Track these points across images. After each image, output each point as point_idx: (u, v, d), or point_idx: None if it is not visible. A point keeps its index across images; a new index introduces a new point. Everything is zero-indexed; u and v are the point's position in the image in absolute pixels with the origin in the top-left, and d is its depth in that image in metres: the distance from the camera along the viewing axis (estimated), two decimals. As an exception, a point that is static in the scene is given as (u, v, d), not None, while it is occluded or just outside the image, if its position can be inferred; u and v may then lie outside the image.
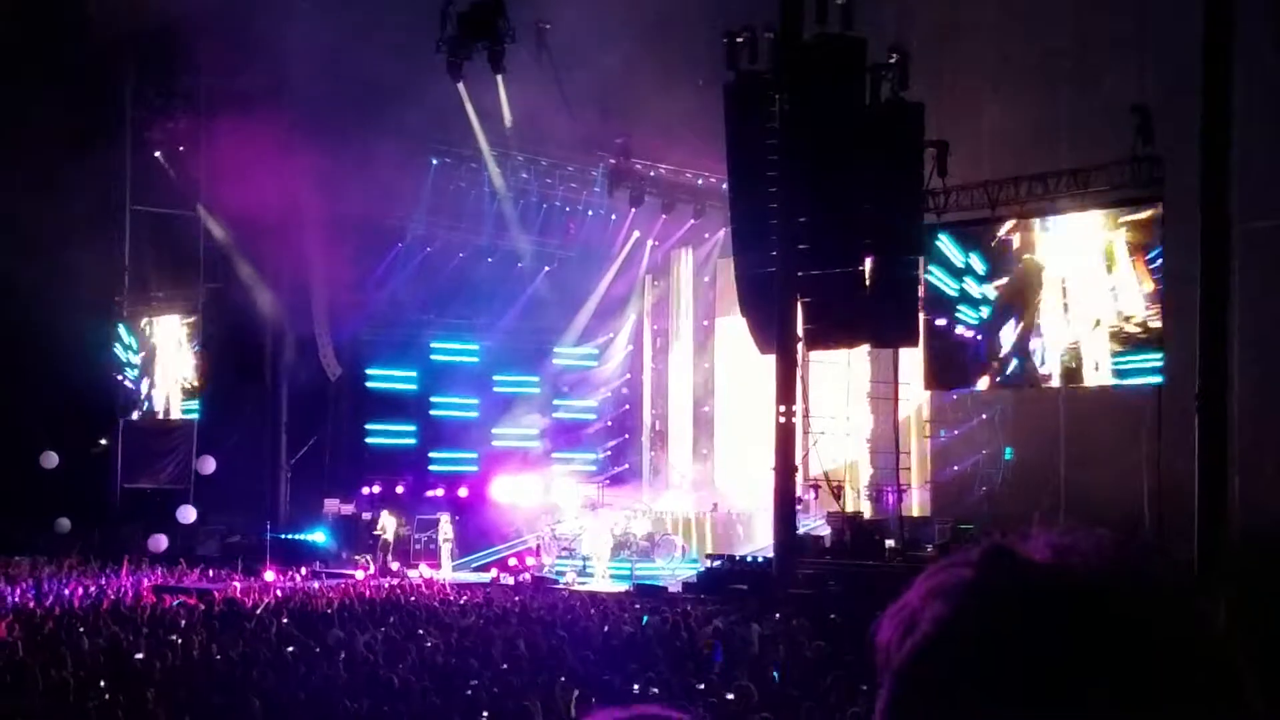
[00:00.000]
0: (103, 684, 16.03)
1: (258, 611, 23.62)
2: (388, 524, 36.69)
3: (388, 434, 41.94)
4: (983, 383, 31.81)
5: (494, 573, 34.11)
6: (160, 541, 37.36)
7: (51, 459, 38.73)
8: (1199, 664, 1.28)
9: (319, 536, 38.26)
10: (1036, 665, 1.25)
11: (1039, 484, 30.98)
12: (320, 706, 14.27)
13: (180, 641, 19.56)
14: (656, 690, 15.21)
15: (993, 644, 1.27)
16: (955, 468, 34.31)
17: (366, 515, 38.56)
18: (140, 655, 18.32)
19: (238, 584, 30.26)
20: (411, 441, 42.30)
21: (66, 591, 27.90)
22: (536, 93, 35.85)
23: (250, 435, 41.23)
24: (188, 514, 38.18)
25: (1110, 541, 1.36)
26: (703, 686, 15.69)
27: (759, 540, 32.48)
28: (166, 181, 41.52)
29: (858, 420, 34.10)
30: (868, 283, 29.03)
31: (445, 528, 36.60)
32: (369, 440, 41.77)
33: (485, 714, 14.01)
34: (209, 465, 38.60)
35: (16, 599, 26.43)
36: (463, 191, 41.99)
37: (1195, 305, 24.61)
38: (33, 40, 36.74)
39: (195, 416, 41.71)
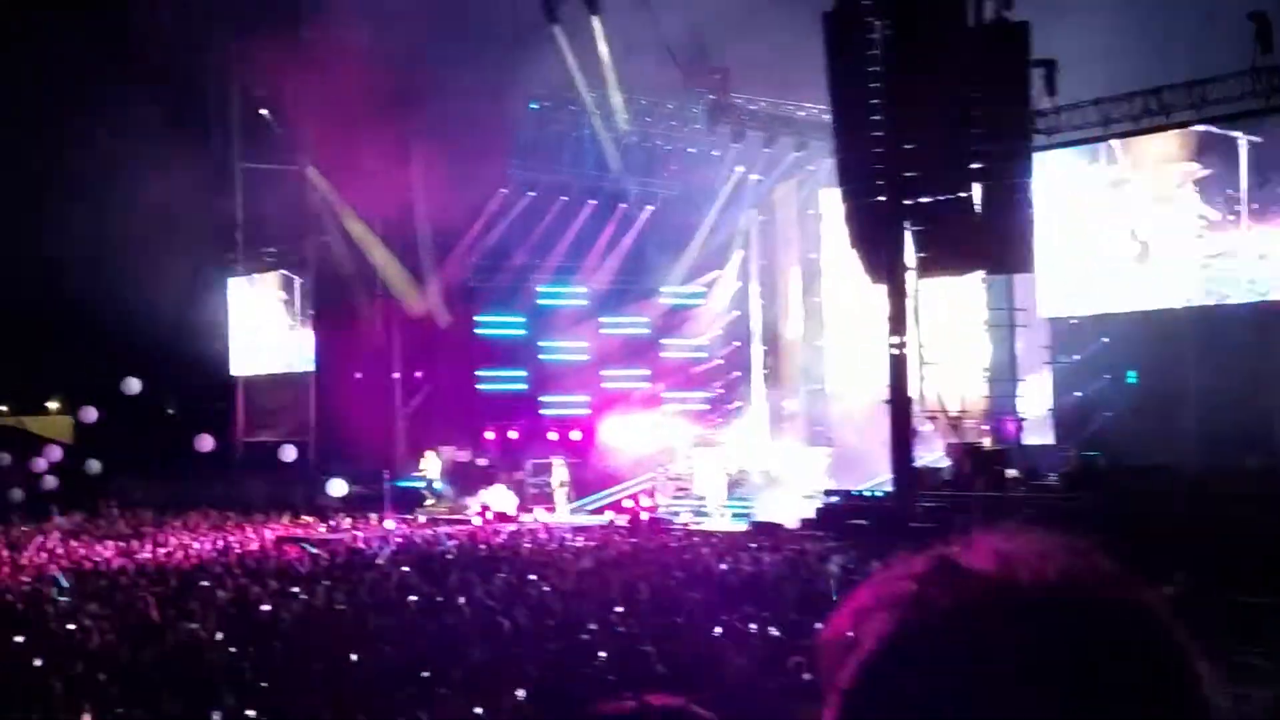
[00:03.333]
0: (230, 636, 16.22)
1: (379, 561, 23.81)
2: (559, 473, 36.85)
3: (499, 380, 42.17)
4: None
5: (609, 515, 34.16)
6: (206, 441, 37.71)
7: (134, 385, 39.12)
8: (1147, 673, 1.24)
9: (435, 483, 38.53)
10: (979, 682, 1.21)
11: (1165, 407, 30.22)
12: (442, 654, 14.32)
13: (305, 593, 19.75)
14: (776, 630, 15.08)
15: (935, 661, 1.24)
16: (1078, 394, 33.48)
17: (481, 461, 38.81)
18: (267, 607, 18.53)
19: (359, 533, 30.59)
20: (523, 386, 42.50)
21: (194, 545, 28.37)
22: (633, 30, 35.54)
23: (365, 385, 41.68)
24: (288, 453, 38.44)
25: (1058, 547, 1.30)
26: (819, 626, 15.48)
27: (876, 474, 32.16)
28: (273, 138, 41.88)
29: (974, 349, 33.51)
30: (978, 208, 28.39)
31: (560, 471, 36.73)
32: (480, 386, 42.03)
33: (603, 656, 13.94)
34: (207, 444, 38.65)
35: (148, 553, 26.92)
36: (563, 134, 41.87)
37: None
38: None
39: (310, 369, 42.20)
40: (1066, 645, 1.21)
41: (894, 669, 1.26)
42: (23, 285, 39.45)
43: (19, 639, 16.20)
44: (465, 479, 38.03)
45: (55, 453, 39.55)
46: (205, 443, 37.77)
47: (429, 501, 37.33)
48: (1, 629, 16.97)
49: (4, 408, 44.33)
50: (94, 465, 38.71)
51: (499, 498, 36.17)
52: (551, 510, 35.45)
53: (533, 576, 20.94)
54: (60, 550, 28.00)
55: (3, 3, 37.32)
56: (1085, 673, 1.20)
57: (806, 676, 12.30)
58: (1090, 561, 1.29)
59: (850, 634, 1.31)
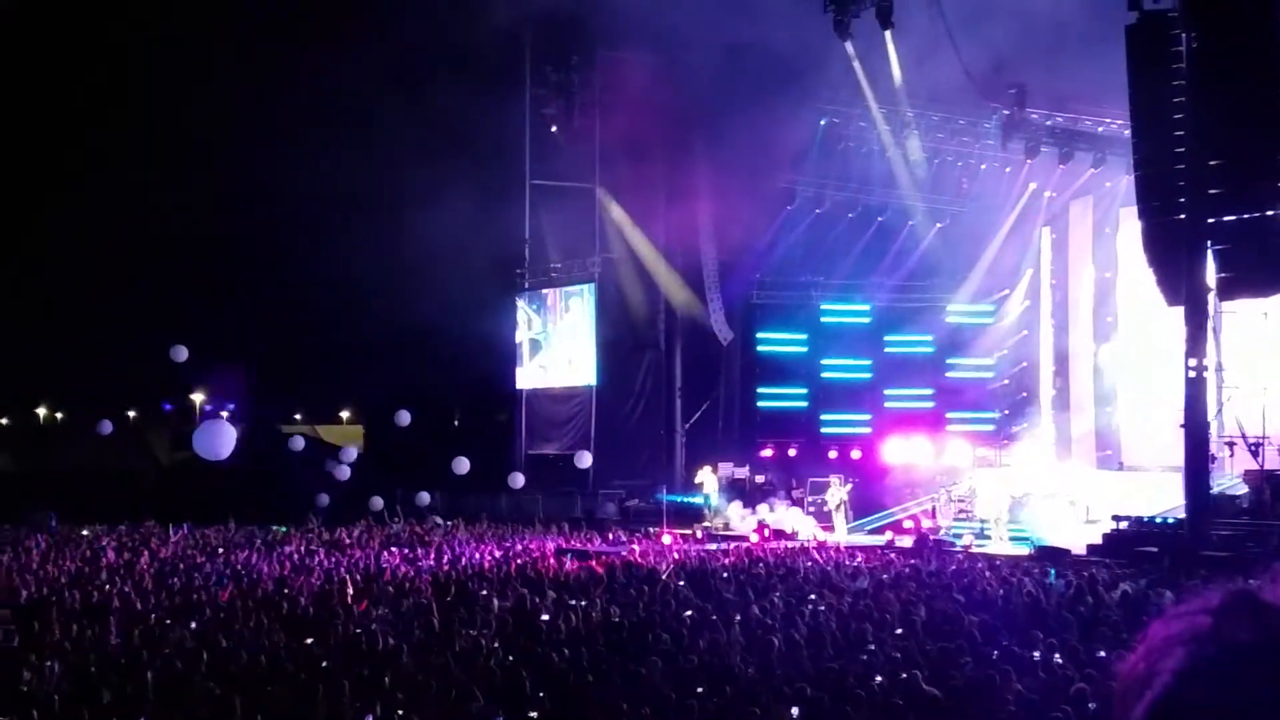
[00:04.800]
0: (510, 644, 16.52)
1: (664, 576, 23.91)
2: (836, 493, 36.65)
3: (778, 397, 42.12)
4: None
5: (888, 535, 33.71)
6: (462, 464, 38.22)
7: (404, 418, 40.13)
8: None
9: (712, 499, 38.59)
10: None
11: None
12: (714, 669, 14.30)
13: (583, 604, 19.99)
14: (1059, 658, 14.59)
15: (1234, 696, 1.17)
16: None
17: (759, 478, 38.78)
18: (546, 617, 18.82)
19: (636, 547, 30.86)
20: (803, 404, 42.37)
21: (477, 555, 29.06)
22: (926, 45, 35.05)
23: (646, 400, 42.11)
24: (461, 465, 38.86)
25: None
26: (1104, 654, 14.93)
27: (1169, 501, 30.93)
28: (562, 155, 42.74)
29: (1277, 373, 31.99)
30: (1285, 227, 27.10)
31: (838, 490, 36.39)
32: (760, 404, 42.06)
33: (879, 679, 13.70)
34: (463, 466, 39.15)
35: (430, 562, 27.69)
36: (851, 150, 41.59)
37: None
38: (437, 21, 38.32)
39: (593, 383, 42.82)
40: None
41: (1190, 704, 1.20)
42: (318, 297, 41.23)
43: (309, 640, 16.86)
44: (743, 496, 38.03)
45: (351, 453, 41.04)
46: (462, 465, 38.66)
47: (708, 518, 37.41)
48: (294, 631, 17.69)
49: (299, 415, 46.26)
50: (425, 498, 39.90)
51: (793, 518, 36.10)
52: (829, 529, 35.15)
53: (810, 595, 20.78)
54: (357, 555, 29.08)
55: (296, 28, 38.95)
56: None
57: (1092, 705, 11.85)
58: None
59: (1145, 668, 1.27)
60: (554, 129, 42.99)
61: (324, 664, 15.26)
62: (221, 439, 33.00)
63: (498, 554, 29.34)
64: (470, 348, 42.55)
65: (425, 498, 39.50)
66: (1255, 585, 1.27)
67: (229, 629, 18.10)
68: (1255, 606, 1.23)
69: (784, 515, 36.46)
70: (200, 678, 14.27)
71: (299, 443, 41.40)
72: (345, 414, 51.86)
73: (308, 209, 41.05)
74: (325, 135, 39.65)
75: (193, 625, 18.78)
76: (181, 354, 37.23)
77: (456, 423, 47.20)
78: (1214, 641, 1.22)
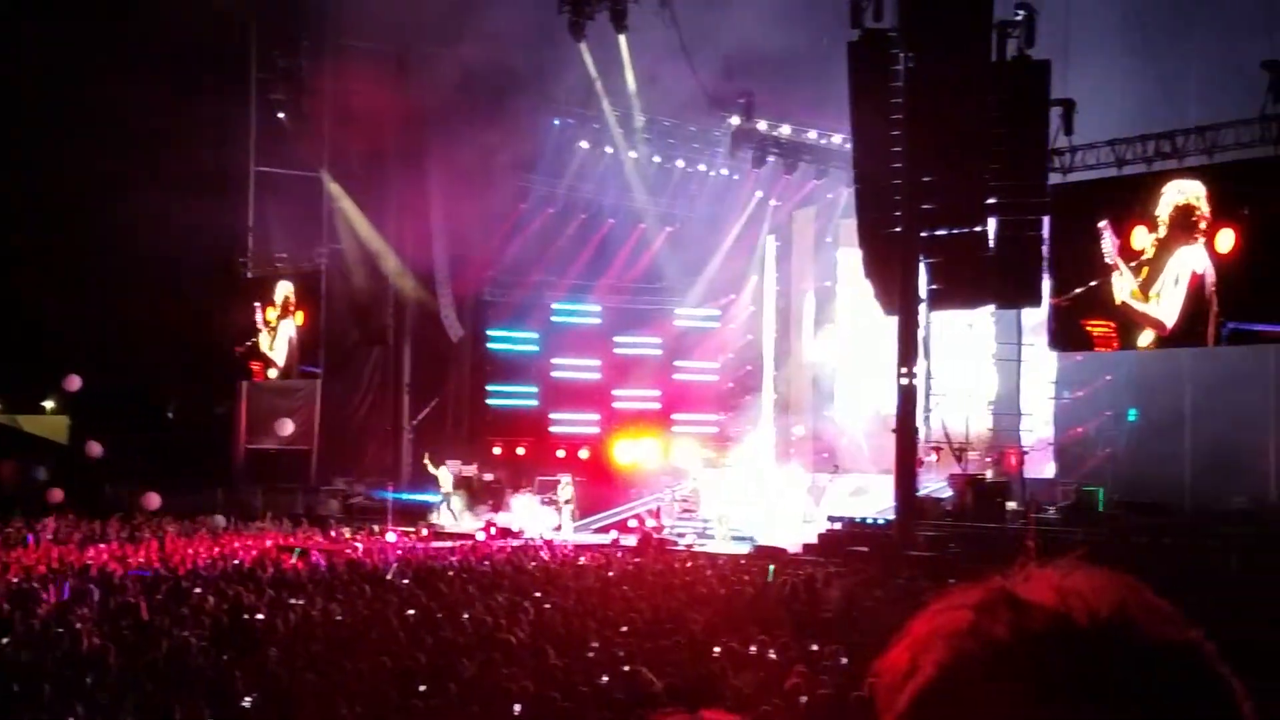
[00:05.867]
0: (223, 644, 16.14)
1: (388, 575, 23.71)
2: (563, 491, 36.74)
3: (509, 395, 42.19)
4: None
5: (614, 534, 34.14)
6: (153, 499, 37.03)
7: (95, 449, 38.52)
8: (1199, 712, 1.25)
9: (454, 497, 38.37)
10: (1034, 713, 1.22)
11: (1162, 445, 30.33)
12: (438, 668, 14.28)
13: (302, 603, 19.68)
14: (774, 654, 15.04)
15: (991, 691, 1.25)
16: (1079, 429, 33.67)
17: (488, 477, 38.77)
18: (261, 616, 18.45)
19: (359, 545, 30.50)
20: (533, 403, 42.54)
21: (190, 551, 28.17)
22: (659, 52, 35.58)
23: (373, 395, 41.64)
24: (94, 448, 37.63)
25: (1112, 582, 1.31)
26: (816, 648, 15.48)
27: (881, 502, 32.18)
28: (289, 142, 41.77)
29: (981, 382, 33.61)
30: (991, 243, 28.49)
31: (566, 489, 36.68)
32: (490, 402, 42.06)
33: (605, 678, 13.88)
34: (95, 450, 37.94)
35: (141, 559, 26.74)
36: (585, 152, 41.92)
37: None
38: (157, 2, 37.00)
39: (318, 377, 42.09)
40: (1120, 682, 1.22)
41: (950, 698, 1.27)
42: (23, 282, 39.45)
43: (4, 640, 16.11)
44: (471, 494, 37.99)
45: (75, 382, 39.06)
46: (152, 501, 36.96)
47: (443, 514, 37.18)
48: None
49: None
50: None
51: (529, 514, 36.19)
52: (557, 528, 35.41)
53: (536, 593, 20.90)
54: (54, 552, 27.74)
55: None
56: (1137, 709, 1.22)
57: (803, 699, 12.27)
58: (1143, 598, 1.30)
59: (908, 661, 1.32)
60: (281, 115, 41.99)
61: (21, 664, 14.55)
62: None
63: (213, 551, 28.53)
64: (188, 338, 41.15)
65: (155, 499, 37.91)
66: (1011, 582, 1.33)
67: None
68: (1011, 603, 1.29)
69: (515, 513, 36.56)
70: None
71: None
72: (49, 404, 49.49)
73: (12, 195, 39.17)
74: (37, 118, 38.01)
75: None
76: None
77: (170, 414, 45.63)
78: (972, 636, 1.28)
